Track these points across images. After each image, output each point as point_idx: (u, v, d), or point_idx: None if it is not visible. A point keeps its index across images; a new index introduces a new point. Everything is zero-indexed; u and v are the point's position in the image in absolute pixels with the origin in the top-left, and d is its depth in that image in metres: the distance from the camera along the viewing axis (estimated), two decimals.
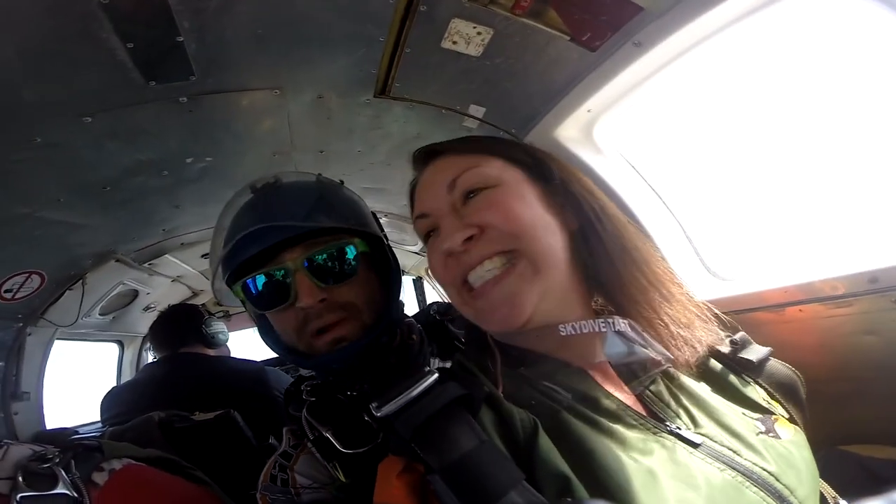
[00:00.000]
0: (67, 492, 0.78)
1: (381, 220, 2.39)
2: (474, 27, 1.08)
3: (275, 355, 1.09)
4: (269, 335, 1.03)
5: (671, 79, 1.09)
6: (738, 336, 0.77)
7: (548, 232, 0.68)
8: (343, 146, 1.71)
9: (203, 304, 2.85)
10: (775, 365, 0.76)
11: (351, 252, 0.94)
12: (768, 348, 0.77)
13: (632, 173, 1.40)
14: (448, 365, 1.01)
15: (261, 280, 0.91)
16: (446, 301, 1.24)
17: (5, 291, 1.64)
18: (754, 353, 0.75)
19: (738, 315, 1.20)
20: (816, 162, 1.17)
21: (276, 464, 0.89)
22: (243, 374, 1.91)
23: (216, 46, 1.07)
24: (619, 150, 1.39)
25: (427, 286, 3.68)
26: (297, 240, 0.90)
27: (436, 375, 0.63)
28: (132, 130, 1.30)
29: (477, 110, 1.43)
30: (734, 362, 0.75)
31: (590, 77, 1.15)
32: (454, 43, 1.13)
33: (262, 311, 0.93)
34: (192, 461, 1.24)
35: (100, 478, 0.86)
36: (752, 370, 0.74)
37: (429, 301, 3.40)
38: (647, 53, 1.01)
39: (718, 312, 0.79)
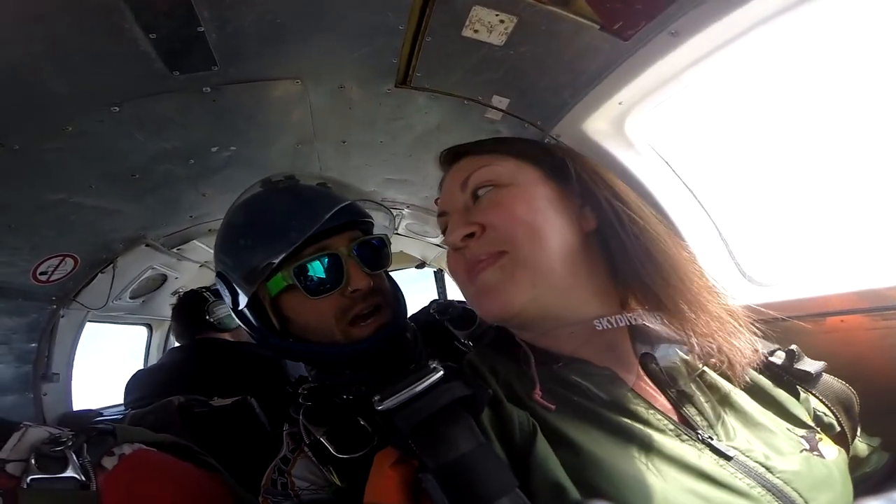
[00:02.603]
0: (76, 475, 0.80)
1: (404, 212, 2.41)
2: (496, 15, 1.04)
3: None
4: (289, 345, 1.02)
5: (711, 72, 1.01)
6: (793, 347, 0.75)
7: (552, 233, 0.66)
8: (365, 136, 1.70)
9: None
10: (829, 379, 0.75)
11: (386, 243, 1.04)
12: (822, 362, 0.75)
13: (665, 170, 1.33)
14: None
15: (316, 264, 0.93)
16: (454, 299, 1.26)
17: (40, 274, 1.70)
18: (811, 365, 0.74)
19: (774, 323, 1.14)
20: (867, 164, 1.08)
21: (276, 468, 0.90)
22: (261, 361, 1.94)
23: (236, 36, 1.06)
24: (651, 146, 1.31)
25: (448, 277, 3.66)
26: (341, 228, 0.96)
27: (441, 373, 0.63)
28: (158, 120, 1.32)
29: (500, 101, 1.39)
30: (789, 374, 0.73)
31: (621, 68, 1.08)
32: (475, 31, 1.09)
33: (315, 295, 0.93)
34: (208, 446, 1.27)
35: (109, 462, 0.88)
36: (810, 382, 0.73)
37: (450, 293, 3.39)
38: (684, 44, 0.93)
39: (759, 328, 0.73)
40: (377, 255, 1.01)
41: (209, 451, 1.19)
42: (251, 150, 1.62)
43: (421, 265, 3.17)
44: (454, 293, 3.00)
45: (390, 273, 1.12)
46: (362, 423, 0.86)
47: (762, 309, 1.08)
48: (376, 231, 1.08)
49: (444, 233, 0.77)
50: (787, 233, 1.26)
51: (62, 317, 1.90)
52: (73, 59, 1.02)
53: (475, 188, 0.72)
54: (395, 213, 2.35)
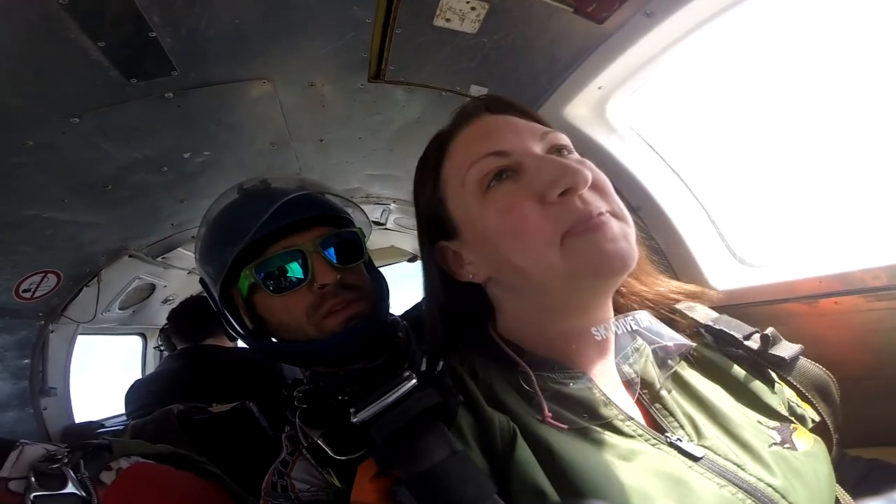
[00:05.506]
0: (76, 491, 0.82)
1: (391, 207, 2.36)
2: (467, 2, 0.98)
3: None
4: (266, 343, 1.02)
5: (690, 52, 0.97)
6: (769, 331, 0.72)
7: None
8: (343, 134, 1.65)
9: None
10: (805, 364, 0.72)
11: (357, 238, 1.04)
12: (799, 346, 0.72)
13: (650, 153, 1.29)
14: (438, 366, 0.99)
15: (277, 261, 0.93)
16: None
17: (24, 291, 1.68)
18: (785, 349, 0.71)
19: (766, 306, 1.12)
20: (861, 140, 1.04)
21: (275, 471, 0.91)
22: (257, 365, 1.93)
23: (193, 39, 1.01)
24: (635, 130, 1.27)
25: None
26: (305, 224, 0.96)
27: (414, 381, 0.62)
28: (122, 129, 1.27)
29: (478, 90, 1.34)
30: (764, 359, 0.70)
31: (598, 52, 1.04)
32: (447, 20, 1.04)
33: (278, 293, 0.94)
34: (209, 452, 1.26)
35: (107, 477, 0.89)
36: (784, 368, 0.70)
37: None
38: (660, 25, 0.89)
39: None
40: (347, 249, 1.01)
41: (211, 458, 1.19)
42: (226, 153, 1.57)
43: (413, 259, 3.13)
44: None
45: (380, 268, 1.11)
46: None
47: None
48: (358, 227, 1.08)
49: (490, 177, 0.63)
50: (778, 213, 1.23)
51: (52, 332, 1.88)
52: (24, 71, 0.97)
53: (556, 146, 0.66)
54: (381, 209, 2.31)
